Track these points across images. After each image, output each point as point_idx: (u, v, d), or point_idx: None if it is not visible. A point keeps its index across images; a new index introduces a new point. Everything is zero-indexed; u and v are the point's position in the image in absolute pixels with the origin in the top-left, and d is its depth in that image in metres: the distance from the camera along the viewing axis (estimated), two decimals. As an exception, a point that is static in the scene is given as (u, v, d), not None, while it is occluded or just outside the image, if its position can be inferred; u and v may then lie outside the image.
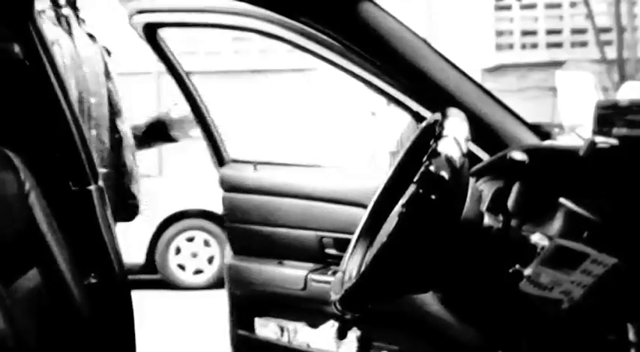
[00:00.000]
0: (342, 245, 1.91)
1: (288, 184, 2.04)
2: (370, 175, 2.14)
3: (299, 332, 1.94)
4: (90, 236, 1.40)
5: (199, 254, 6.36)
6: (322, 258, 1.95)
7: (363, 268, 1.07)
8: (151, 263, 6.48)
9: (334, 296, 1.11)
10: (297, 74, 8.67)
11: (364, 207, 1.87)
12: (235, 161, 2.09)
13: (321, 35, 1.56)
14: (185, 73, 2.04)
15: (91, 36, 1.96)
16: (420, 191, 0.96)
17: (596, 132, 1.04)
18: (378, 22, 1.50)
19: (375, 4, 1.51)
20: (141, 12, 1.88)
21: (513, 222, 1.08)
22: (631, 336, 1.01)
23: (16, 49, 1.41)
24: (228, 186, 2.05)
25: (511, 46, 10.37)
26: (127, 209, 2.00)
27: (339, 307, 1.10)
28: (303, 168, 2.22)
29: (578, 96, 1.41)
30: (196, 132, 2.11)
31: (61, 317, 1.26)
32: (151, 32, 1.95)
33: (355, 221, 1.87)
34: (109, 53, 2.02)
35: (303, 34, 1.61)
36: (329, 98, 8.79)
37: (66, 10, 1.89)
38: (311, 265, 1.94)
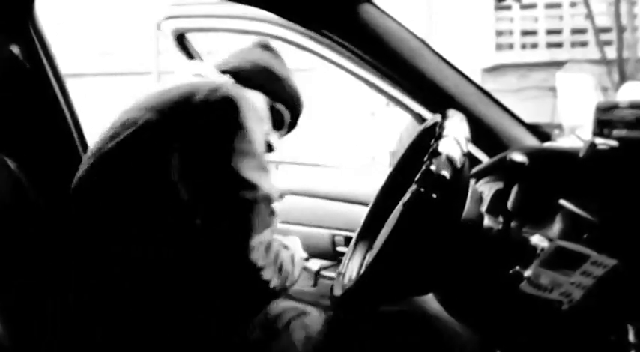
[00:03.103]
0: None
1: (304, 183, 2.14)
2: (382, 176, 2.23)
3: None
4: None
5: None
6: (334, 255, 2.03)
7: (363, 269, 1.07)
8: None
9: (334, 298, 1.11)
10: (296, 74, 8.67)
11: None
12: None
13: (320, 35, 1.58)
14: None
15: None
16: (421, 190, 0.96)
17: (595, 134, 1.04)
18: (377, 24, 1.50)
19: (375, 6, 1.51)
20: (169, 18, 2.02)
21: (513, 224, 1.09)
22: (631, 337, 1.01)
23: (16, 50, 1.41)
24: None
25: (511, 46, 10.37)
26: None
27: (338, 308, 1.10)
28: (320, 168, 2.40)
29: (578, 98, 1.41)
30: None
31: (60, 317, 1.26)
32: (179, 37, 2.09)
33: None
34: None
35: (311, 36, 1.66)
36: (329, 98, 8.79)
37: None
38: (324, 262, 1.97)
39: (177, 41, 2.12)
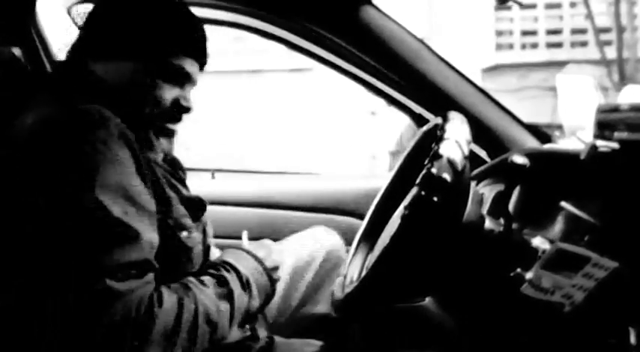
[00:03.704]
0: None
1: (246, 192, 2.00)
2: (334, 180, 2.13)
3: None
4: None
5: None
6: None
7: (364, 272, 1.07)
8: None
9: (335, 301, 1.11)
10: (296, 74, 8.67)
11: (324, 212, 1.84)
12: (191, 169, 1.96)
13: (320, 36, 1.56)
14: None
15: None
16: (422, 193, 0.96)
17: (597, 136, 1.04)
18: (378, 25, 1.50)
19: (376, 8, 1.51)
20: (83, 1, 1.72)
21: (514, 226, 1.08)
22: (632, 340, 1.01)
23: (18, 52, 1.41)
24: None
25: (511, 46, 10.37)
26: None
27: (340, 311, 1.10)
28: (263, 176, 2.22)
29: (578, 99, 1.41)
30: None
31: (60, 317, 1.26)
32: None
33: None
34: None
35: (298, 33, 1.61)
36: (328, 98, 8.79)
37: None
38: None
39: None
